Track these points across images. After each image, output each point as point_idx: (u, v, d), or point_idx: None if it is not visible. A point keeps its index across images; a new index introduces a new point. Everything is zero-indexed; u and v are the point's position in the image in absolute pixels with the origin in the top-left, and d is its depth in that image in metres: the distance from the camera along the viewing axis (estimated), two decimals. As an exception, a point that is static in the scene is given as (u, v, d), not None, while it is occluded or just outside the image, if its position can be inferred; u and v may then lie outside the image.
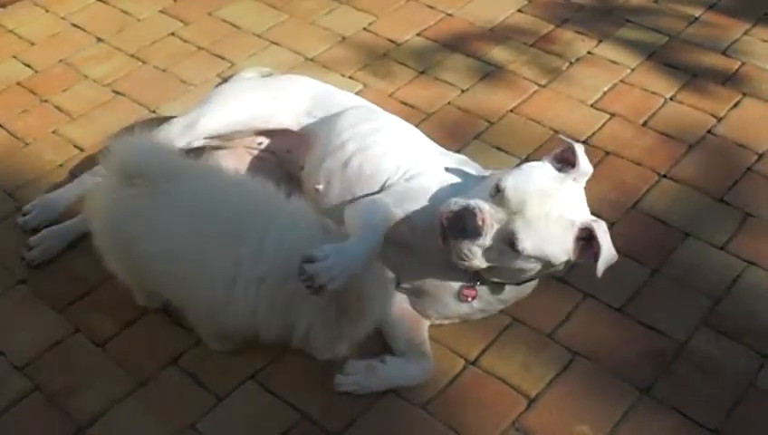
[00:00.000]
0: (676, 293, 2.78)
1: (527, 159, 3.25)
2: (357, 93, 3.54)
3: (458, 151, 3.13)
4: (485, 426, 2.42)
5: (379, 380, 2.49)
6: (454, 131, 3.39)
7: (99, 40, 3.98)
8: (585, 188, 2.52)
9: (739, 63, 3.77)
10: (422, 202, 2.56)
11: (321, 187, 2.77)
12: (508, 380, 2.52)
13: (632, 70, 3.74)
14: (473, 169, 2.72)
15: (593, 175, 3.14)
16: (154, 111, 3.54)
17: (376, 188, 2.68)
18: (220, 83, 3.49)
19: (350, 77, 3.72)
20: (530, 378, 2.56)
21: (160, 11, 4.17)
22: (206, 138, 2.97)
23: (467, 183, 2.59)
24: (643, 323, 2.70)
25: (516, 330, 2.69)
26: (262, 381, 2.56)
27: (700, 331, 2.68)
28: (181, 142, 2.96)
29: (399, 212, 2.52)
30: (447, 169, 2.67)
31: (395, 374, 2.50)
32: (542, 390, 2.53)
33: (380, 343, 2.59)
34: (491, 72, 3.74)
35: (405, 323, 2.59)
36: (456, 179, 2.63)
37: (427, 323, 2.65)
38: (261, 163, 3.06)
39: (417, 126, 3.32)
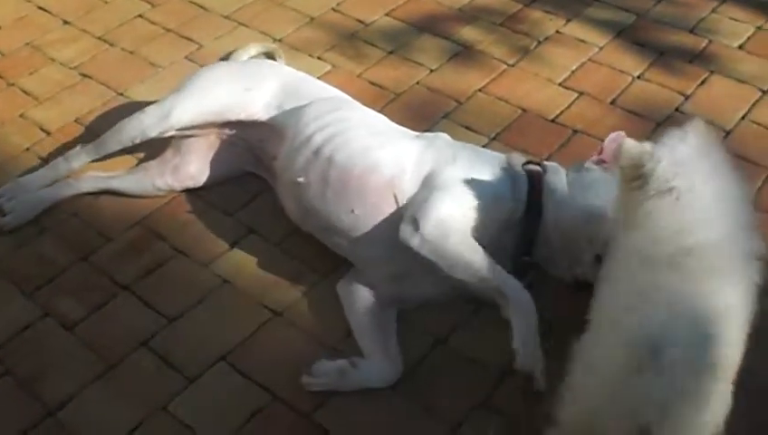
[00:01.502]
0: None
1: (496, 138, 3.26)
2: (325, 74, 3.55)
3: (427, 131, 3.14)
4: (456, 405, 2.42)
5: (348, 383, 2.47)
6: (423, 111, 3.39)
7: (65, 22, 3.95)
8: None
9: (706, 41, 3.78)
10: (478, 201, 2.60)
11: (302, 179, 2.75)
12: (477, 358, 2.52)
13: (600, 48, 3.75)
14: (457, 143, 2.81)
15: (563, 153, 3.18)
16: (122, 94, 3.52)
17: (371, 184, 2.66)
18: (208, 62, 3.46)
19: (319, 57, 3.71)
20: (499, 356, 2.55)
21: (128, -8, 4.15)
22: (178, 129, 2.98)
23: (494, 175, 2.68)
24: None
25: (486, 309, 2.69)
26: (232, 363, 2.56)
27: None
28: (154, 132, 2.98)
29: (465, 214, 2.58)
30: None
31: (365, 378, 2.48)
32: (511, 367, 2.54)
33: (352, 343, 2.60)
34: (460, 52, 3.74)
35: (374, 325, 2.59)
36: (478, 171, 2.67)
37: (394, 323, 2.64)
38: (232, 148, 3.06)
39: (385, 106, 3.35)
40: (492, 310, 2.66)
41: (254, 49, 3.47)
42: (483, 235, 2.59)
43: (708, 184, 2.17)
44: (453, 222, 2.52)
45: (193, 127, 2.99)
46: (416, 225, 2.52)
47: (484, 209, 2.59)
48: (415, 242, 2.52)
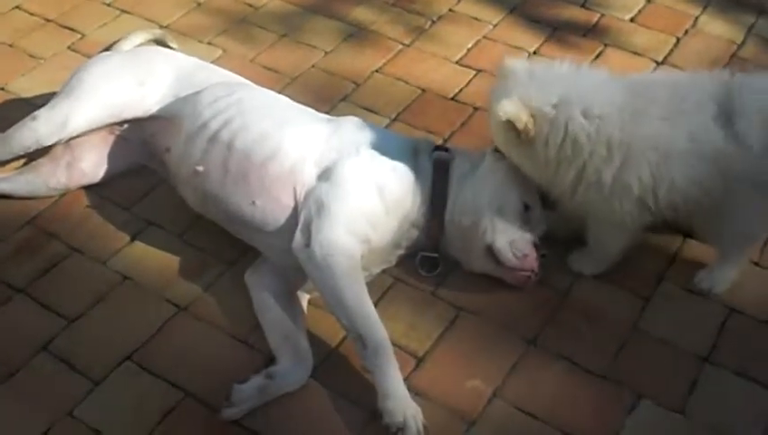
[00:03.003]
0: (552, 244, 2.77)
1: (397, 119, 3.21)
2: (217, 59, 3.45)
3: (327, 114, 3.07)
4: (374, 389, 2.35)
5: (269, 396, 2.36)
6: (320, 94, 3.32)
7: (-61, 19, 3.76)
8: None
9: (599, 15, 3.80)
10: (372, 211, 2.53)
11: (200, 168, 2.65)
12: (395, 340, 2.44)
13: (494, 25, 3.73)
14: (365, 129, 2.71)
15: (465, 131, 3.15)
16: (2, 89, 3.34)
17: (271, 173, 2.57)
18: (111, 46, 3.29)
19: (209, 43, 3.60)
20: (417, 337, 2.53)
21: (3, -16, 3.96)
22: (75, 136, 2.85)
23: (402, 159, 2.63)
24: (525, 274, 2.69)
25: (399, 290, 2.65)
26: (139, 362, 2.45)
27: (582, 278, 2.69)
28: (50, 141, 2.84)
29: (358, 236, 2.49)
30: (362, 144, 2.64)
31: (283, 385, 2.37)
32: (430, 348, 2.50)
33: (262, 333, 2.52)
34: (354, 33, 3.67)
35: (284, 319, 2.50)
36: (382, 164, 2.60)
37: (304, 312, 2.57)
38: (125, 143, 2.93)
39: (282, 91, 3.26)
40: (403, 288, 2.62)
41: (139, 37, 3.31)
42: (384, 234, 2.56)
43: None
44: (345, 245, 2.44)
45: (90, 130, 2.86)
46: (307, 239, 2.45)
47: (386, 210, 2.55)
48: (302, 256, 2.45)
